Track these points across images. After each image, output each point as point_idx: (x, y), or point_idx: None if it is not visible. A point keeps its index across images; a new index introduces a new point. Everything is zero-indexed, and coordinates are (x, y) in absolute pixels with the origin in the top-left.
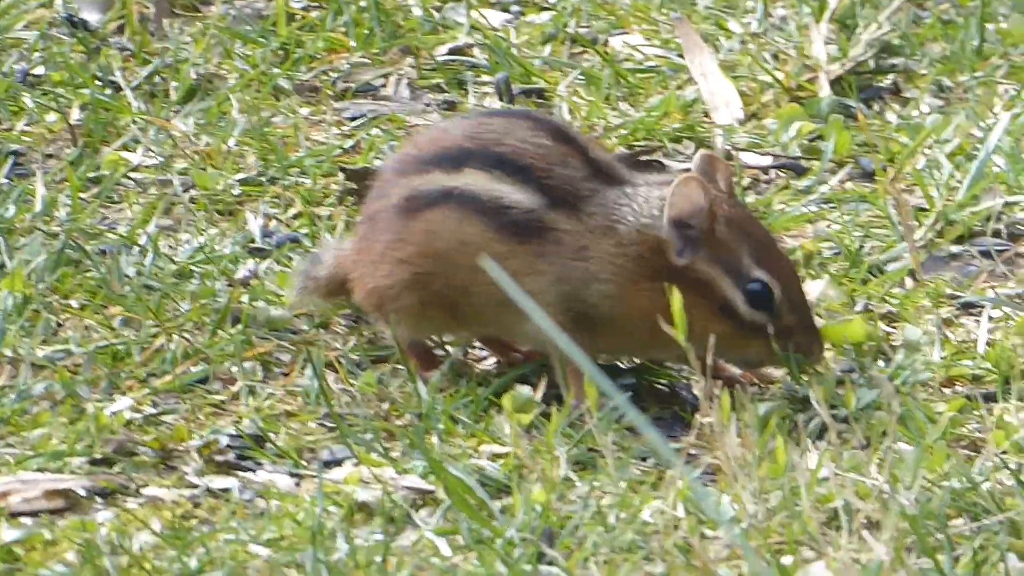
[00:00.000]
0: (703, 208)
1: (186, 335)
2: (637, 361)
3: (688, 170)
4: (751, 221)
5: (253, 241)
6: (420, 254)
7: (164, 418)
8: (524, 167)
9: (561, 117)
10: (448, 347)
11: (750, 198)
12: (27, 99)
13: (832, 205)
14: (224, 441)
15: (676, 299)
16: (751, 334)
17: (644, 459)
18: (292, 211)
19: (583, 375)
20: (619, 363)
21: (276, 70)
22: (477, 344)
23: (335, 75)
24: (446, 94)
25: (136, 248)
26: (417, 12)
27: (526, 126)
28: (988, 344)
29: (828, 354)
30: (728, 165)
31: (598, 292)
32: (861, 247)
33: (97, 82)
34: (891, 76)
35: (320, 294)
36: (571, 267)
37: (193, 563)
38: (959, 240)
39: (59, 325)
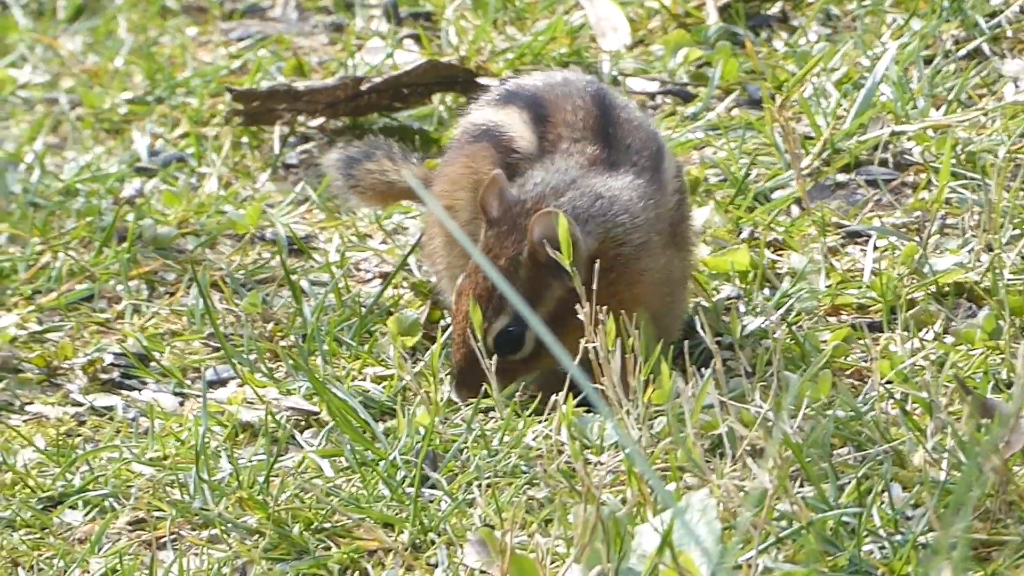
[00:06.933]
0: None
1: (72, 253)
2: None
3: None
4: None
5: (139, 160)
6: (452, 183)
7: (49, 335)
8: (545, 118)
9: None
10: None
11: None
12: None
13: (719, 132)
14: (109, 359)
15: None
16: None
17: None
18: (178, 131)
19: None
20: None
21: None
22: (363, 266)
23: None
24: (333, 16)
25: (22, 165)
26: None
27: (581, 88)
28: (874, 273)
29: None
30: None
31: None
32: (747, 174)
33: None
34: (778, 3)
35: (362, 194)
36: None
37: (76, 480)
38: (845, 169)
39: None
